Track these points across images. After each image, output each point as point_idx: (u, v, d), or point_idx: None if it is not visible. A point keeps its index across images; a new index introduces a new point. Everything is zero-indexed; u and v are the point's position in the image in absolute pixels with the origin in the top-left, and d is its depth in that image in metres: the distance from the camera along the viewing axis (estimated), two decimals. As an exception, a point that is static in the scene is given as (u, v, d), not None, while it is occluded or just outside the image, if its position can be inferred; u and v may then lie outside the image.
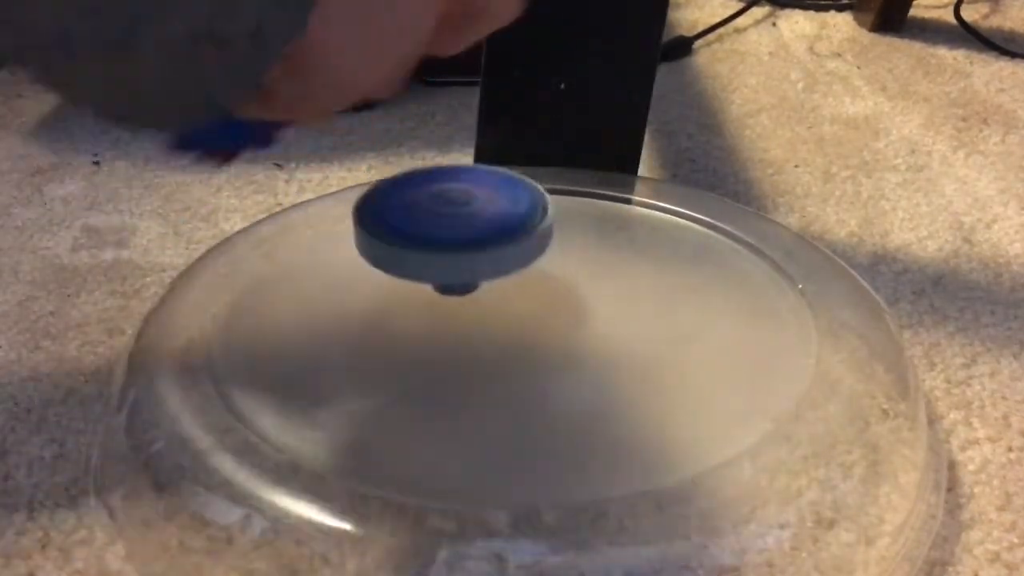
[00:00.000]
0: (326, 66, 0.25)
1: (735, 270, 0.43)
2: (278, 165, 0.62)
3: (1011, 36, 0.82)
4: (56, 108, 0.71)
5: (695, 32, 0.83)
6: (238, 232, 0.47)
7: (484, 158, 0.52)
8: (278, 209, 0.55)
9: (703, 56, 0.81)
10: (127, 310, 0.47)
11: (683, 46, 0.81)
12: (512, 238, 0.35)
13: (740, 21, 0.87)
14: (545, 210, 0.37)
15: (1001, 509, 0.35)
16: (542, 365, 0.37)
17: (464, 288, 0.37)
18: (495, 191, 0.37)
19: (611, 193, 0.49)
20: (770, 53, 0.81)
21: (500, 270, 0.35)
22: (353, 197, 0.50)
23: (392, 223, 0.35)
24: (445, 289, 0.37)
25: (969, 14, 0.85)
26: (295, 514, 0.30)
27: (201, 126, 0.27)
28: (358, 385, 0.36)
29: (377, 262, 0.35)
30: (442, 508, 0.29)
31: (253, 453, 0.32)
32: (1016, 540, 0.34)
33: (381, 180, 0.38)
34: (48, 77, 0.22)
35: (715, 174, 0.61)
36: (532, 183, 0.38)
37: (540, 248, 0.36)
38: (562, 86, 0.50)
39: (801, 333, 0.38)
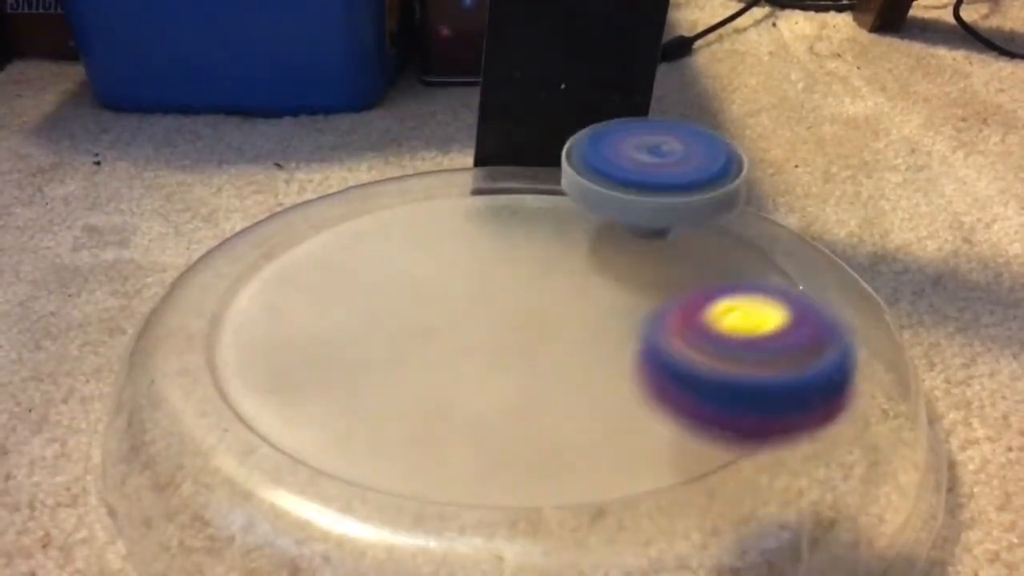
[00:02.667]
0: None
1: (735, 270, 0.43)
2: (278, 165, 0.62)
3: (1011, 36, 0.82)
4: (57, 108, 0.71)
5: (695, 32, 0.83)
6: (239, 232, 0.47)
7: (484, 158, 0.52)
8: (279, 209, 0.55)
9: (703, 56, 0.81)
10: (128, 310, 0.48)
11: (683, 46, 0.81)
12: (710, 188, 0.39)
13: (740, 21, 0.87)
14: (740, 167, 0.41)
15: (1001, 509, 0.35)
16: (542, 365, 0.37)
17: (659, 232, 0.42)
18: (696, 146, 0.42)
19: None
20: (770, 53, 0.81)
21: (697, 218, 0.40)
22: (353, 197, 0.50)
23: (601, 167, 0.40)
24: (641, 232, 0.42)
25: (969, 14, 0.85)
26: (295, 514, 0.30)
27: None
28: (359, 385, 0.36)
29: (586, 202, 0.41)
30: (442, 508, 0.29)
31: (253, 453, 0.32)
32: (1016, 540, 0.34)
33: (591, 127, 0.43)
34: None
35: (715, 174, 0.61)
36: (730, 143, 0.42)
37: (734, 200, 0.40)
38: (562, 86, 0.50)
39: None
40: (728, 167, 0.40)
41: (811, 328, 0.28)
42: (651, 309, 0.30)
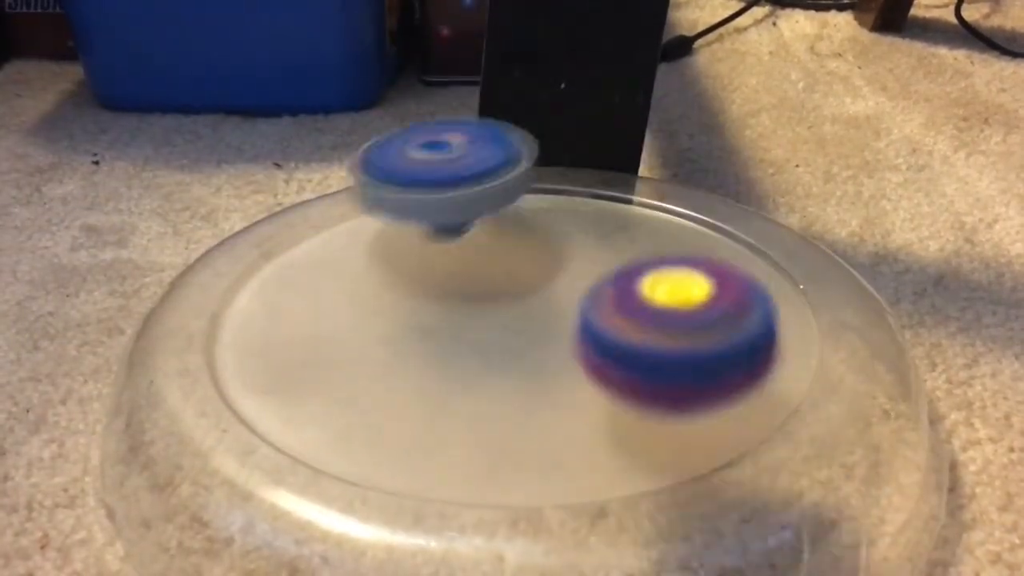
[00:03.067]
0: None
1: (736, 270, 0.43)
2: (278, 165, 0.62)
3: (1012, 36, 0.82)
4: (56, 107, 0.71)
5: (695, 32, 0.83)
6: (238, 232, 0.47)
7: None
8: (278, 209, 0.55)
9: (704, 56, 0.81)
10: (126, 310, 0.47)
11: (683, 46, 0.81)
12: (497, 176, 0.38)
13: (740, 21, 0.87)
14: (530, 154, 0.40)
15: (1003, 510, 0.35)
16: (542, 365, 0.37)
17: (457, 229, 0.40)
18: (482, 139, 0.41)
19: (611, 193, 0.49)
20: (771, 53, 0.81)
21: (487, 207, 0.39)
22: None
23: (387, 170, 0.39)
24: (439, 232, 0.40)
25: (970, 14, 0.84)
26: (294, 515, 0.30)
27: None
28: (358, 385, 0.36)
29: (374, 206, 0.39)
30: (442, 508, 0.29)
31: (252, 454, 0.32)
32: (1017, 541, 0.34)
33: (376, 137, 0.42)
34: None
35: (716, 174, 0.61)
36: (516, 131, 0.42)
37: (524, 185, 0.40)
38: (562, 86, 0.50)
39: (802, 333, 0.38)
40: (513, 156, 0.40)
41: (734, 295, 0.30)
42: (590, 287, 0.31)
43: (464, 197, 0.38)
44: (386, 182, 0.39)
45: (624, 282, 0.31)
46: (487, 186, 0.38)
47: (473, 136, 0.41)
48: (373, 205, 0.39)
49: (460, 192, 0.38)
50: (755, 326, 0.29)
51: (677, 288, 0.30)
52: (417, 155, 0.40)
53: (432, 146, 0.40)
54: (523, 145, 0.40)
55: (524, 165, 0.39)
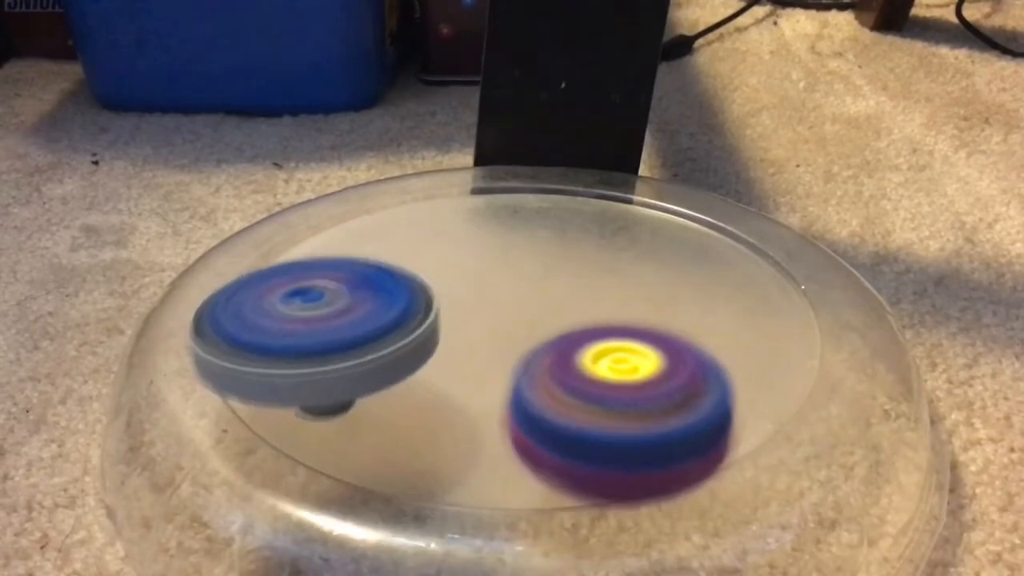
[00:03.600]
0: None
1: (737, 270, 0.43)
2: (277, 165, 0.62)
3: (1013, 35, 0.82)
4: (55, 107, 0.71)
5: (696, 31, 0.83)
6: (238, 232, 0.47)
7: (484, 157, 0.52)
8: (278, 209, 0.55)
9: (704, 55, 0.81)
10: (126, 310, 0.47)
11: (684, 45, 0.81)
12: (388, 342, 0.28)
13: (741, 20, 0.87)
14: (428, 306, 0.30)
15: (1003, 510, 0.35)
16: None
17: (334, 410, 0.30)
18: (365, 288, 0.31)
19: (612, 193, 0.49)
20: (771, 52, 0.81)
21: (375, 383, 0.29)
22: (353, 197, 0.50)
23: (233, 333, 0.28)
24: (311, 411, 0.30)
25: (971, 13, 0.84)
26: (295, 515, 0.30)
27: None
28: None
29: (217, 386, 0.29)
30: (442, 509, 0.29)
31: (252, 454, 0.32)
32: (1018, 541, 0.34)
33: (224, 286, 0.31)
34: None
35: (716, 174, 0.61)
36: (409, 275, 0.32)
37: (425, 353, 0.29)
38: (562, 86, 0.50)
39: (803, 333, 0.38)
40: (410, 309, 0.30)
41: (686, 376, 0.27)
42: (526, 353, 0.29)
43: (340, 373, 0.28)
44: (232, 348, 0.28)
45: (563, 350, 0.28)
46: (376, 356, 0.28)
47: (354, 281, 0.31)
48: (207, 379, 0.29)
49: (336, 366, 0.28)
50: (708, 409, 0.26)
51: (622, 362, 0.27)
52: (279, 308, 0.30)
53: (300, 295, 0.30)
54: (419, 294, 0.31)
55: (426, 322, 0.29)
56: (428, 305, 0.30)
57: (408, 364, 0.29)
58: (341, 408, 0.30)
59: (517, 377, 0.28)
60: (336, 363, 0.28)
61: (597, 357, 0.28)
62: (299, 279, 0.31)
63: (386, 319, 0.29)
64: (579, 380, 0.27)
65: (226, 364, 0.28)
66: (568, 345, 0.28)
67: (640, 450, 0.25)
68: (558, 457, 0.26)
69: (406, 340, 0.29)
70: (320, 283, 0.31)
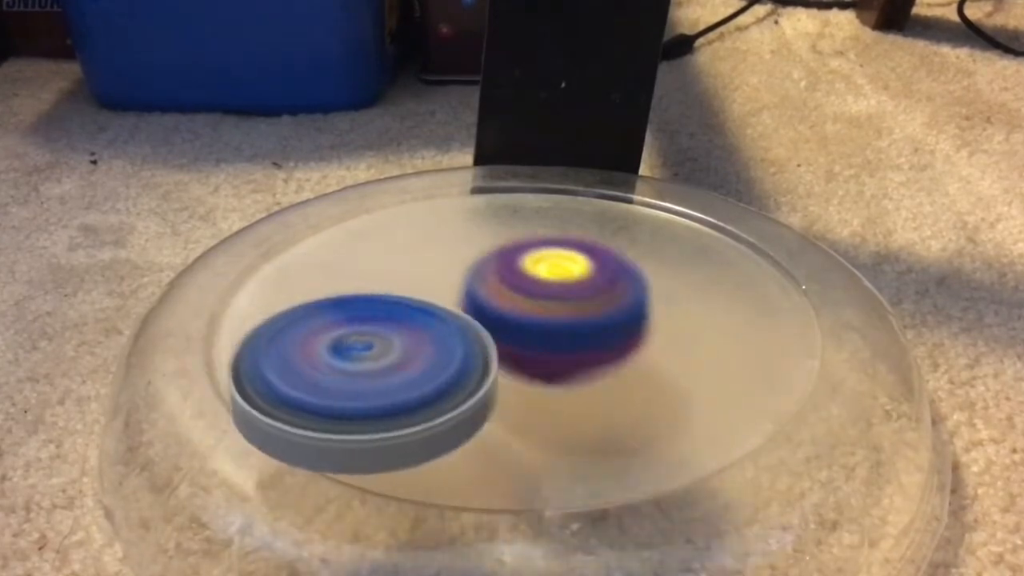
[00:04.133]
0: None
1: (737, 270, 0.43)
2: (276, 164, 0.62)
3: (1015, 35, 0.82)
4: (53, 106, 0.71)
5: (697, 30, 0.83)
6: (237, 231, 0.47)
7: (484, 157, 0.52)
8: (277, 208, 0.55)
9: (705, 54, 0.81)
10: (124, 310, 0.47)
11: (684, 44, 0.81)
12: (445, 408, 0.26)
13: (742, 19, 0.86)
14: (487, 364, 0.28)
15: (1005, 511, 0.35)
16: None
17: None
18: (418, 338, 0.28)
19: (612, 193, 0.49)
20: (772, 51, 0.81)
21: (430, 452, 0.26)
22: (352, 196, 0.49)
23: (277, 385, 0.26)
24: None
25: (972, 12, 0.84)
26: (294, 516, 0.29)
27: None
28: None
29: (259, 443, 0.26)
30: (442, 510, 0.29)
31: (251, 455, 0.31)
32: (1020, 542, 0.34)
33: (263, 324, 0.29)
34: None
35: (717, 173, 0.61)
36: (468, 322, 0.29)
37: (482, 419, 0.27)
38: (562, 86, 0.50)
39: (804, 333, 0.37)
40: (466, 370, 0.27)
41: (610, 274, 0.33)
42: (475, 260, 0.33)
43: (391, 441, 0.25)
44: (275, 403, 0.26)
45: (508, 256, 0.33)
46: (432, 424, 0.25)
47: (407, 329, 0.29)
48: (248, 435, 0.27)
49: (386, 434, 0.25)
50: (629, 300, 0.32)
51: (557, 265, 0.33)
52: (326, 359, 0.27)
53: (349, 347, 0.28)
54: (482, 345, 0.28)
55: (488, 381, 0.27)
56: (486, 363, 0.28)
57: (464, 432, 0.27)
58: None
59: (468, 279, 0.32)
60: (386, 430, 0.25)
61: (536, 262, 0.33)
62: (347, 322, 0.29)
63: (441, 379, 0.27)
64: (521, 279, 0.32)
65: (271, 423, 0.25)
66: (512, 252, 0.33)
67: (574, 334, 0.31)
68: (504, 343, 0.29)
69: (461, 408, 0.26)
70: (370, 329, 0.28)
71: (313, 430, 0.25)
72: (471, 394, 0.27)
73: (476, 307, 0.31)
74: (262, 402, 0.26)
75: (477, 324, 0.29)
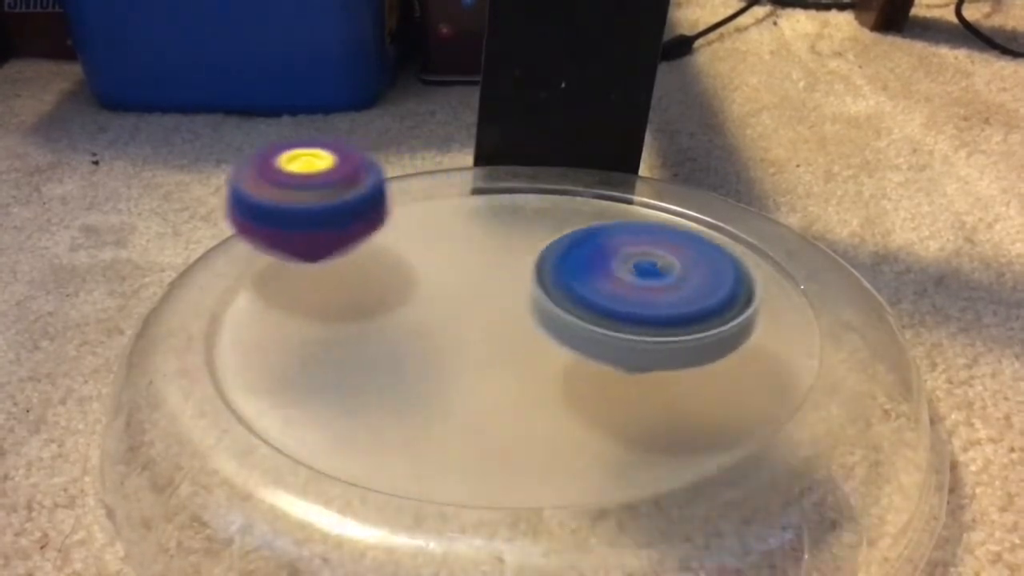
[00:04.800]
0: None
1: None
2: (278, 164, 0.62)
3: (1013, 35, 0.82)
4: (55, 107, 0.71)
5: (696, 31, 0.83)
6: (238, 232, 0.47)
7: (484, 157, 0.52)
8: (278, 209, 0.55)
9: (704, 55, 0.81)
10: (126, 310, 0.47)
11: (684, 45, 0.81)
12: (715, 322, 0.31)
13: (741, 20, 0.87)
14: (751, 291, 0.32)
15: (1003, 510, 0.35)
16: (541, 365, 0.37)
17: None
18: (695, 259, 0.33)
19: (612, 193, 0.49)
20: (771, 52, 0.81)
21: (697, 358, 0.31)
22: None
23: (577, 289, 0.32)
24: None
25: (971, 13, 0.84)
26: (295, 514, 0.30)
27: None
28: (358, 385, 0.36)
29: (559, 337, 0.32)
30: (442, 508, 0.29)
31: (252, 454, 0.32)
32: (1018, 541, 0.34)
33: (565, 235, 0.35)
34: None
35: (716, 174, 0.61)
36: (736, 256, 0.34)
37: (744, 338, 0.31)
38: (562, 86, 0.50)
39: (803, 333, 0.38)
40: (735, 293, 0.32)
41: (351, 167, 0.39)
42: (236, 163, 0.39)
43: (682, 345, 0.30)
44: (575, 304, 0.31)
45: (264, 157, 0.39)
46: (713, 332, 0.30)
47: (688, 257, 0.34)
48: (550, 331, 0.32)
49: (677, 338, 0.30)
50: (368, 187, 0.39)
51: (307, 162, 0.39)
52: (619, 274, 0.32)
53: (639, 265, 0.33)
54: (744, 281, 0.33)
55: (754, 304, 0.32)
56: (750, 293, 0.32)
57: (725, 347, 0.31)
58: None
59: (231, 178, 0.39)
60: (667, 335, 0.30)
61: (290, 160, 0.39)
62: (638, 244, 0.34)
63: (712, 301, 0.31)
64: (277, 174, 0.38)
65: (573, 320, 0.31)
66: (268, 153, 0.40)
67: (322, 215, 0.38)
68: (266, 227, 0.38)
69: (725, 327, 0.31)
70: (658, 253, 0.34)
71: (608, 329, 0.31)
72: (742, 310, 0.31)
73: (238, 200, 0.38)
74: (566, 302, 0.32)
75: (748, 267, 0.34)
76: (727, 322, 0.31)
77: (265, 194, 0.38)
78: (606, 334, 0.30)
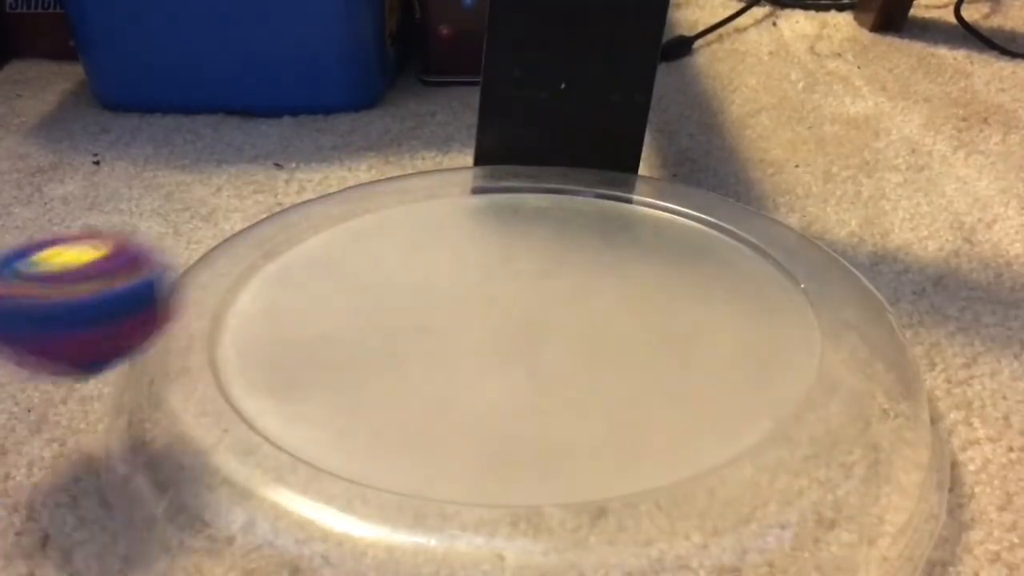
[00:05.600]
0: None
1: (737, 269, 0.43)
2: (278, 165, 0.62)
3: (1012, 36, 0.82)
4: (56, 107, 0.71)
5: (695, 32, 0.83)
6: (239, 232, 0.47)
7: (484, 157, 0.52)
8: (278, 209, 0.55)
9: (703, 56, 0.81)
10: (127, 310, 0.47)
11: (683, 46, 0.81)
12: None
13: (740, 21, 0.87)
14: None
15: (1002, 509, 0.35)
16: (542, 365, 0.37)
17: None
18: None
19: (612, 193, 0.49)
20: (770, 53, 0.81)
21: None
22: (353, 197, 0.50)
23: None
24: None
25: (970, 14, 0.84)
26: (295, 514, 0.30)
27: None
28: (359, 384, 0.36)
29: None
30: (442, 507, 0.29)
31: (253, 453, 0.32)
32: (1017, 540, 0.34)
33: None
34: None
35: (716, 174, 0.61)
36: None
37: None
38: (562, 86, 0.50)
39: (803, 332, 0.38)
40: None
41: (124, 260, 0.31)
42: None
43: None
44: None
45: (18, 253, 0.31)
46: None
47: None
48: None
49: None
50: (137, 283, 0.31)
51: (72, 256, 0.31)
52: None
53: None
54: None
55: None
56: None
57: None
58: None
59: None
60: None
61: (52, 256, 0.31)
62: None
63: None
64: (27, 270, 0.30)
65: None
66: (28, 249, 0.31)
67: (55, 314, 0.30)
68: (13, 333, 0.30)
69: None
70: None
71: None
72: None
73: None
74: None
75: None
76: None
77: (20, 292, 0.30)
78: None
